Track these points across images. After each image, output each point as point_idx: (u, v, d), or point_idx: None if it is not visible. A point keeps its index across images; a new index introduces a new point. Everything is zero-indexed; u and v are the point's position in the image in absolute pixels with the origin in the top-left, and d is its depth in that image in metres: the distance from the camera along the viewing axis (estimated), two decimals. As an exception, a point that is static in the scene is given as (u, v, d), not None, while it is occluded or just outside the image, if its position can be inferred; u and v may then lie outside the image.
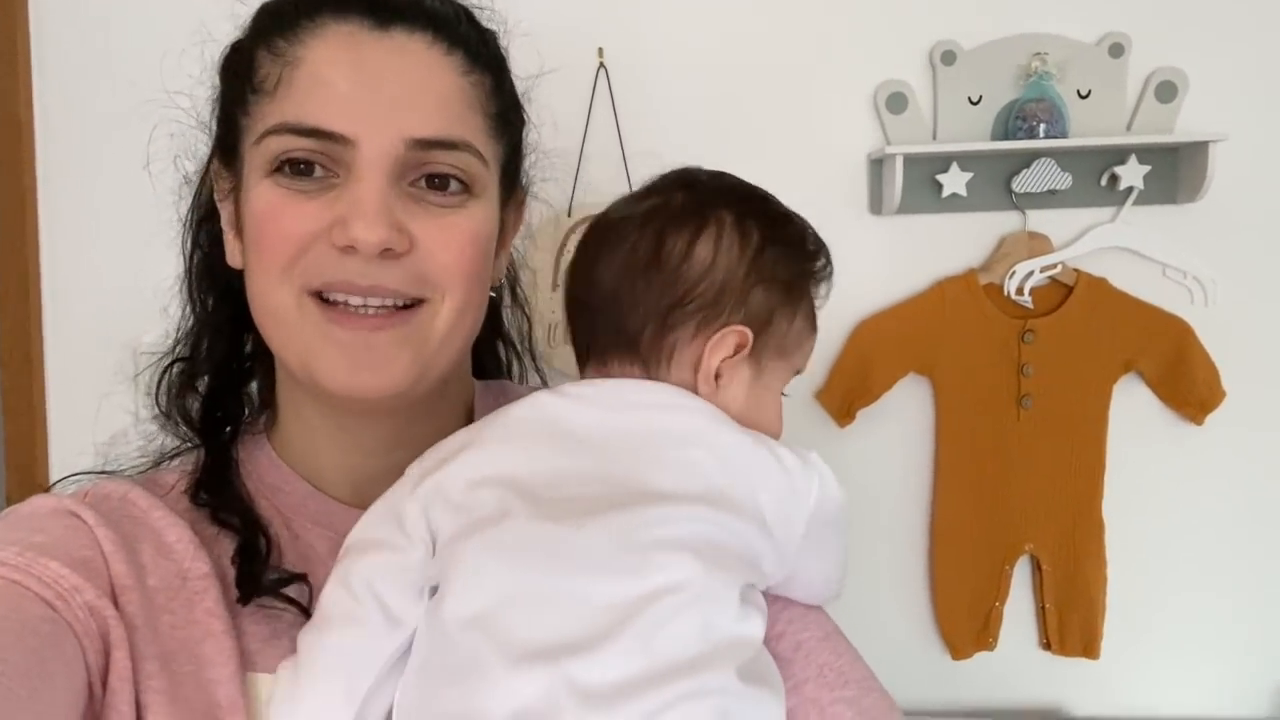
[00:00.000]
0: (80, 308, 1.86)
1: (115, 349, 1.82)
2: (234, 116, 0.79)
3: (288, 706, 0.69)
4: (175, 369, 0.89)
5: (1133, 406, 1.79)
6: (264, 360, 0.89)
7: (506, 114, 0.83)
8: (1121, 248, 1.76)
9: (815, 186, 1.79)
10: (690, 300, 0.75)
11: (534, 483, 0.70)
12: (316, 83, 0.74)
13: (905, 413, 1.83)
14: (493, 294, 0.88)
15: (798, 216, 0.82)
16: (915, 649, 1.84)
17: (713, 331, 0.75)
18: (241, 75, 0.78)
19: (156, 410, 0.89)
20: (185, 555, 0.75)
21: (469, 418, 0.90)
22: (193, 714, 0.69)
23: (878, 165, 1.79)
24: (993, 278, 1.77)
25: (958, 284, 1.78)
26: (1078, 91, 1.74)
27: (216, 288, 0.87)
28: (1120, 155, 1.73)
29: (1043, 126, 1.68)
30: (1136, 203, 1.75)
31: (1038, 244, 1.76)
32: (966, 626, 1.81)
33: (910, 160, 1.72)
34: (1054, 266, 1.75)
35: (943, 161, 1.74)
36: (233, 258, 0.83)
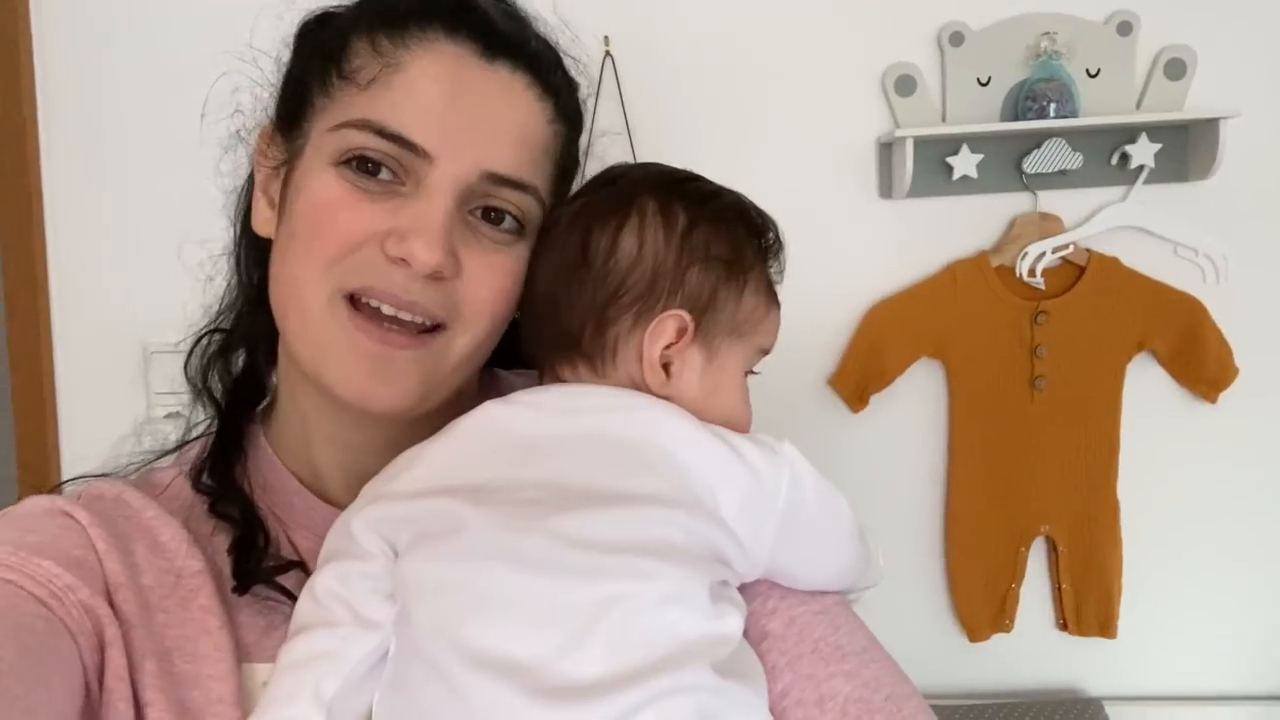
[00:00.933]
0: (88, 309, 1.86)
1: (124, 350, 1.84)
2: (308, 93, 0.78)
3: (257, 710, 0.68)
4: (213, 339, 0.89)
5: (1146, 385, 1.78)
6: (269, 343, 0.88)
7: (570, 168, 0.84)
8: (1133, 227, 1.76)
9: (825, 171, 1.78)
10: (623, 292, 0.74)
11: (486, 491, 0.69)
12: (414, 92, 0.74)
13: (919, 397, 1.82)
14: None
15: (732, 192, 0.80)
16: (932, 632, 1.84)
17: (650, 320, 0.74)
18: (330, 56, 0.77)
19: (187, 378, 0.89)
20: (178, 554, 0.75)
21: None
22: (192, 709, 0.69)
23: (887, 149, 1.78)
24: (1004, 259, 1.76)
25: (969, 266, 1.77)
26: (1087, 71, 1.73)
27: (264, 263, 0.85)
28: (1131, 134, 1.72)
29: (1053, 106, 1.67)
30: (1147, 181, 1.74)
31: (1049, 225, 1.75)
32: (983, 609, 1.81)
33: (920, 143, 1.71)
34: (1066, 247, 1.75)
35: (953, 144, 1.73)
36: (261, 225, 0.82)
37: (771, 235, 0.80)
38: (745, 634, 0.71)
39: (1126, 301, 1.75)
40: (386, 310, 0.74)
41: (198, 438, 0.88)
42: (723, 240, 0.76)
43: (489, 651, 0.63)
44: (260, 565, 0.77)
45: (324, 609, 0.70)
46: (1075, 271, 1.76)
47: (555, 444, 0.71)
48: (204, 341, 0.89)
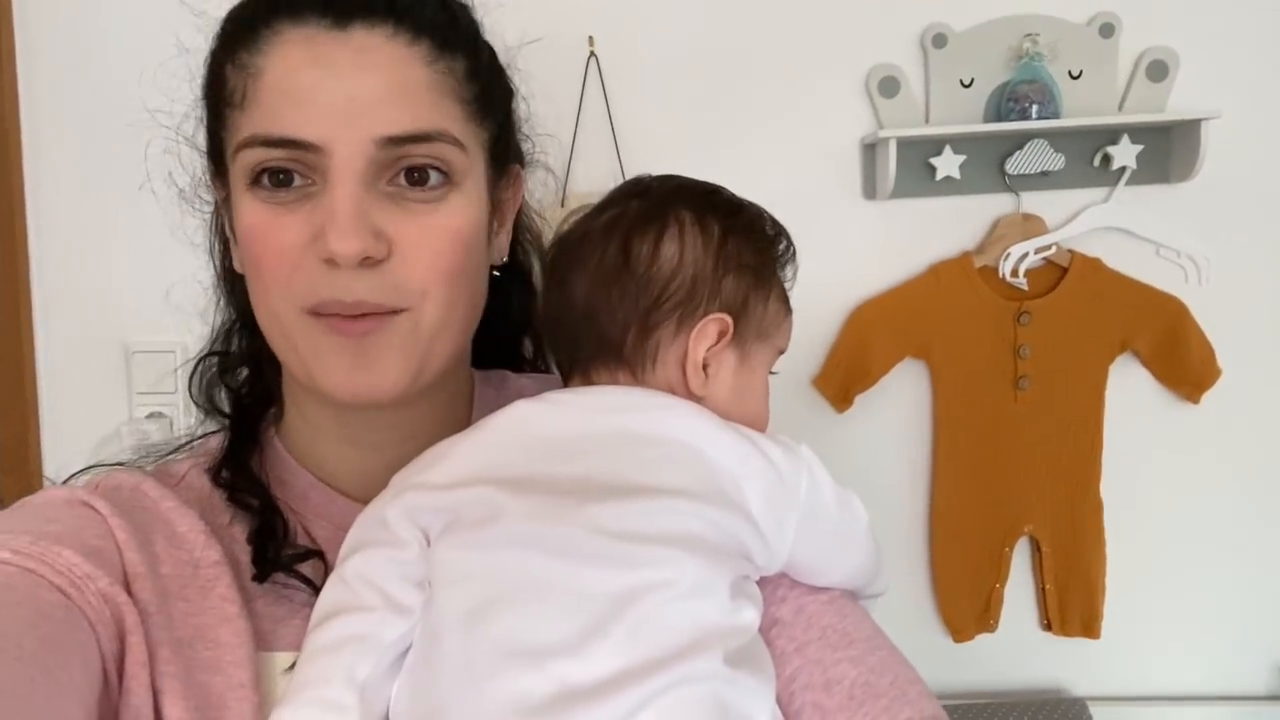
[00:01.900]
0: (71, 310, 1.85)
1: (106, 351, 1.84)
2: (215, 130, 0.80)
3: (289, 694, 0.69)
4: (211, 363, 0.91)
5: (1129, 386, 1.79)
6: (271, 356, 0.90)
7: (487, 93, 0.82)
8: (1115, 228, 1.76)
9: (808, 172, 1.79)
10: (666, 299, 0.77)
11: (518, 483, 0.71)
12: (279, 92, 0.74)
13: (903, 397, 1.83)
14: (498, 273, 0.89)
15: (751, 204, 0.85)
16: (916, 632, 1.84)
17: (694, 324, 0.77)
18: (214, 89, 0.79)
19: (194, 403, 0.91)
20: (196, 544, 0.77)
21: (469, 409, 0.90)
22: (210, 696, 0.70)
23: (870, 150, 1.78)
24: (987, 260, 1.77)
25: (952, 267, 1.78)
26: (1069, 72, 1.74)
27: (245, 291, 0.88)
28: (1113, 135, 1.73)
29: (1035, 108, 1.68)
30: (1129, 182, 1.75)
31: (1032, 225, 1.76)
32: (967, 609, 1.81)
33: (903, 144, 1.71)
34: (1048, 248, 1.75)
35: (935, 145, 1.74)
36: (235, 263, 0.84)
37: (786, 244, 0.85)
38: None
39: (1109, 302, 1.75)
40: (345, 314, 0.75)
41: (213, 432, 0.90)
42: (751, 249, 0.81)
43: (512, 637, 0.64)
44: (280, 553, 0.78)
45: (355, 594, 0.71)
46: (1058, 272, 1.77)
47: (586, 441, 0.74)
48: (203, 365, 0.92)
